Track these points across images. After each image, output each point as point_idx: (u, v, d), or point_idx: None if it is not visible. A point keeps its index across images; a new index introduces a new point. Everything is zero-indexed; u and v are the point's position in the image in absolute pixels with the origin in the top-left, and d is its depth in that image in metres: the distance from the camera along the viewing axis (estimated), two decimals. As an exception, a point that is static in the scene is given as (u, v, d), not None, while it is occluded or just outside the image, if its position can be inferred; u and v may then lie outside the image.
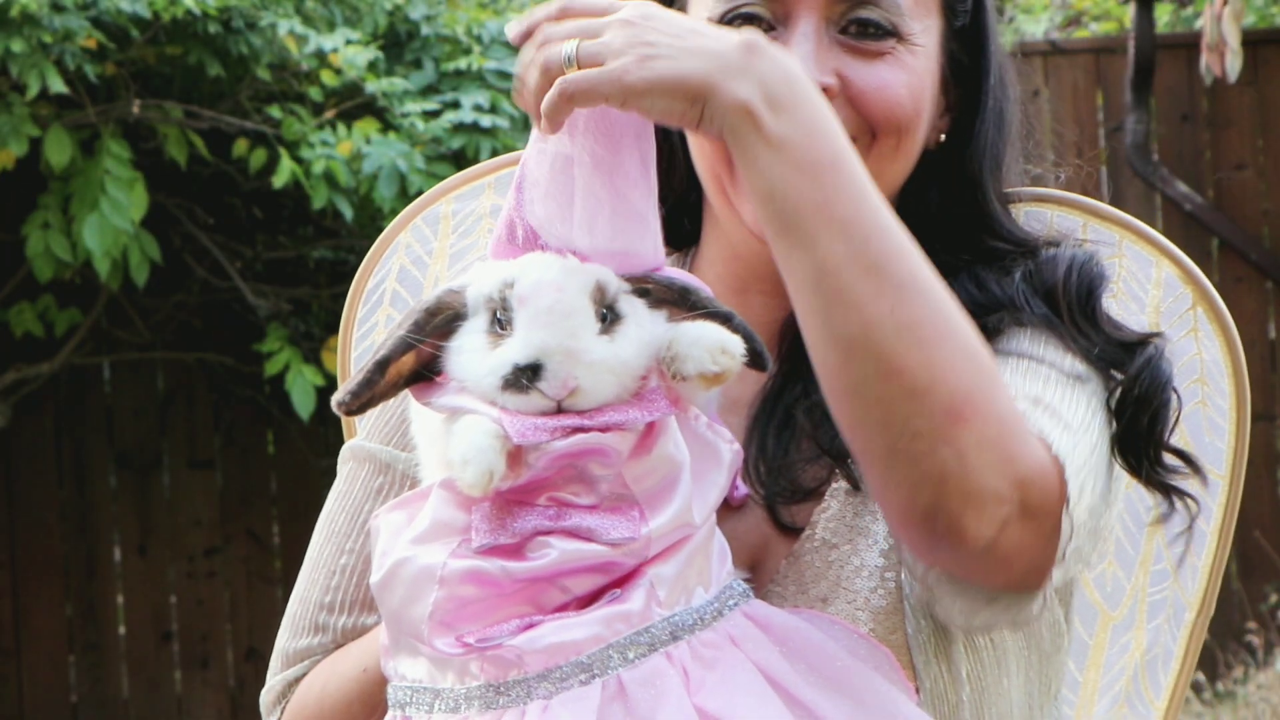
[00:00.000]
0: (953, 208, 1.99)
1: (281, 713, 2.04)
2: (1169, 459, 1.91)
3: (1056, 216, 2.10)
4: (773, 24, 1.89)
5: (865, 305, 1.64)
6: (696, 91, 1.65)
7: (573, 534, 1.67)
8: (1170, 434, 1.91)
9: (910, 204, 1.96)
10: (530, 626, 1.67)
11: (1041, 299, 1.92)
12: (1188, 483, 1.93)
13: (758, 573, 1.86)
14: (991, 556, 1.71)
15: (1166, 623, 2.33)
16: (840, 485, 1.90)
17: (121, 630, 7.83)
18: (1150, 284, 2.13)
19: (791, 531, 1.90)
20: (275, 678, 2.04)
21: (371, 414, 2.07)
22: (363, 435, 2.08)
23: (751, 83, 1.66)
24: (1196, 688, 7.38)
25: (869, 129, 1.89)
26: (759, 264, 1.92)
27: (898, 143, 1.90)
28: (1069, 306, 1.92)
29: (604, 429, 1.66)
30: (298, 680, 2.03)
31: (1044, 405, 1.82)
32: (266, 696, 2.05)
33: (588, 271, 1.69)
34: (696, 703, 1.65)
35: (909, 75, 1.89)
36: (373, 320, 2.35)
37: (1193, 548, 2.24)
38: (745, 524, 1.76)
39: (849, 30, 1.88)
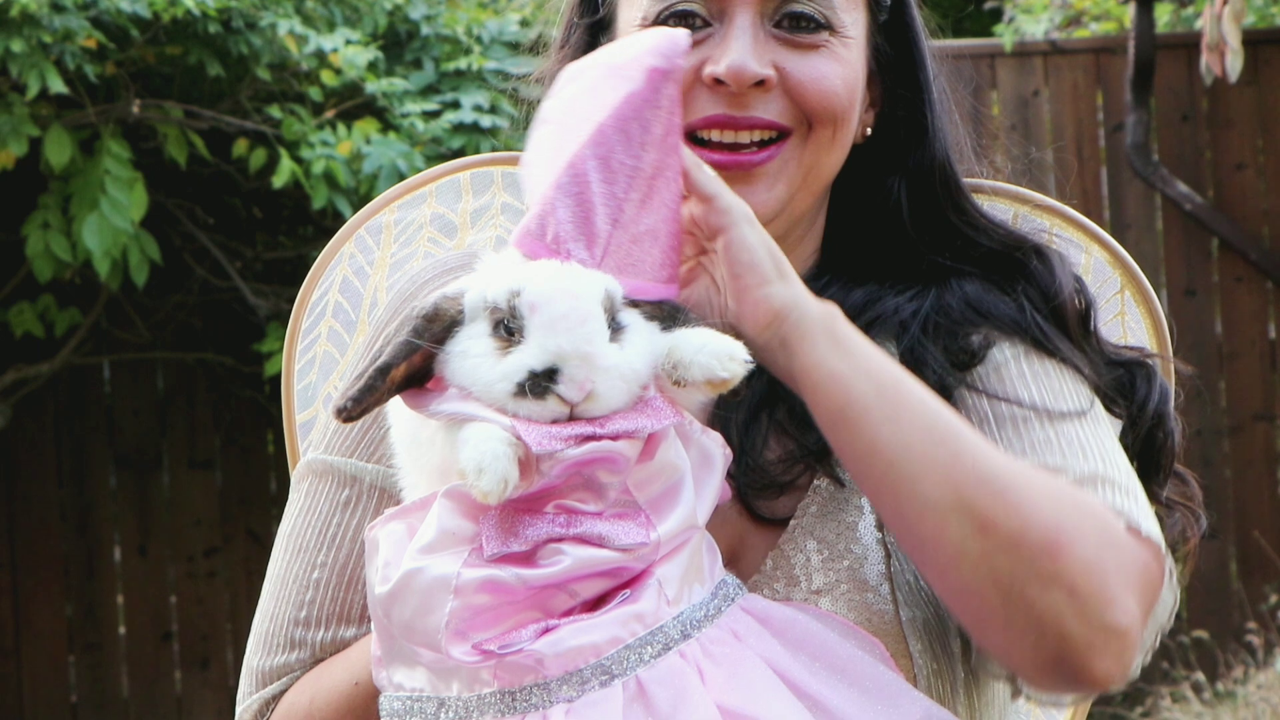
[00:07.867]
0: (927, 204, 2.02)
1: None
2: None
3: (988, 206, 2.12)
4: (708, 20, 1.93)
5: (949, 467, 1.70)
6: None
7: (584, 540, 1.66)
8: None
9: (879, 207, 2.01)
10: (547, 631, 1.66)
11: (1047, 315, 1.96)
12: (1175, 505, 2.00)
13: (735, 565, 1.87)
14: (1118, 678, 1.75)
15: None
16: (820, 482, 1.92)
17: (121, 630, 7.83)
18: (1080, 269, 2.13)
19: (767, 523, 1.92)
20: (252, 697, 2.01)
21: (325, 428, 2.06)
22: (320, 450, 2.05)
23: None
24: (1196, 688, 7.38)
25: (805, 119, 1.94)
26: None
27: (834, 132, 1.94)
28: (1075, 324, 1.96)
29: (614, 437, 1.65)
30: (276, 698, 2.00)
31: (1101, 479, 1.84)
32: (244, 716, 2.01)
33: (597, 280, 1.69)
34: (715, 700, 1.65)
35: (842, 67, 1.94)
36: (316, 332, 2.29)
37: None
38: (719, 517, 1.77)
39: (783, 24, 1.93)
